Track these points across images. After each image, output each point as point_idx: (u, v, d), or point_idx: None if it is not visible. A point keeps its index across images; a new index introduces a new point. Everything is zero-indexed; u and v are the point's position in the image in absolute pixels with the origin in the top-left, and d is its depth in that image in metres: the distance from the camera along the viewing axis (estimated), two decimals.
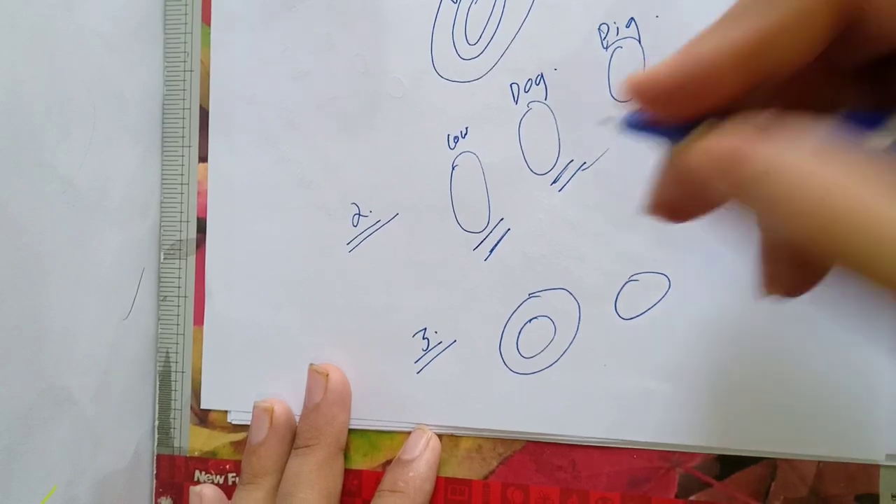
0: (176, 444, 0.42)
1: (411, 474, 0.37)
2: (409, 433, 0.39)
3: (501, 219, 0.38)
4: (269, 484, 0.38)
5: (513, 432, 0.37)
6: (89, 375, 0.39)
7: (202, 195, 0.42)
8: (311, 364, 0.39)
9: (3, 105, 0.33)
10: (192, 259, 0.42)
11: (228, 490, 0.41)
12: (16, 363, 0.34)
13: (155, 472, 0.42)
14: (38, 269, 0.35)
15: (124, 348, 0.41)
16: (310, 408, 0.39)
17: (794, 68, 0.18)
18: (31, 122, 0.35)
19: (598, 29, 0.36)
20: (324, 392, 0.38)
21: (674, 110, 0.19)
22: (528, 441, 0.37)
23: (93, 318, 0.39)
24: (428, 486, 0.37)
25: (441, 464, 0.38)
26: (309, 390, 0.39)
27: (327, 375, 0.39)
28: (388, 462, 0.39)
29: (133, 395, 0.41)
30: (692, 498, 0.35)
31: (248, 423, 0.40)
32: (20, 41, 0.34)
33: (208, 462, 0.42)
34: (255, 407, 0.40)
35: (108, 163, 0.39)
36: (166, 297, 0.42)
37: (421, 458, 0.37)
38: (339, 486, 0.39)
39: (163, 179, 0.43)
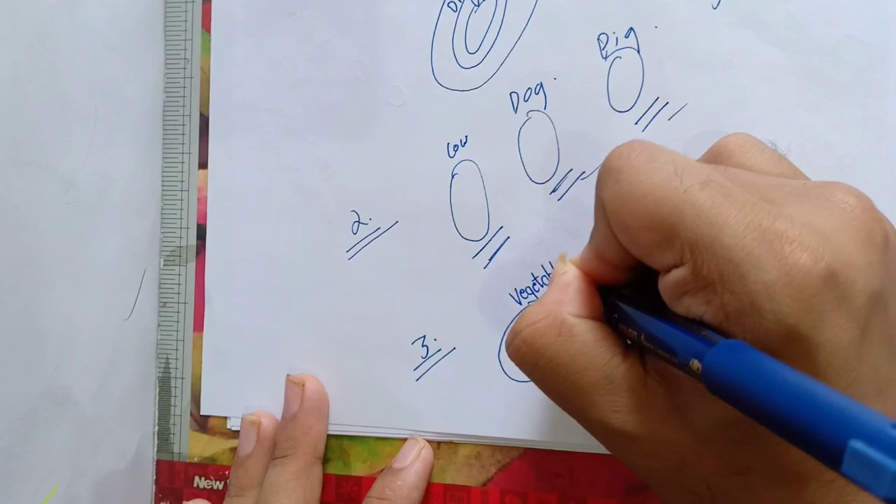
0: (175, 449, 0.42)
1: (399, 483, 0.37)
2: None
3: (501, 227, 0.38)
4: (255, 496, 0.39)
5: (511, 439, 0.38)
6: (90, 375, 0.39)
7: (202, 202, 0.42)
8: (288, 374, 0.40)
9: (4, 105, 0.33)
10: (191, 265, 0.42)
11: None
12: (16, 363, 0.34)
13: (154, 477, 0.42)
14: (38, 269, 0.35)
15: (125, 348, 0.41)
16: (287, 418, 0.39)
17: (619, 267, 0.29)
18: (31, 122, 0.35)
19: (598, 39, 0.37)
20: (300, 402, 0.39)
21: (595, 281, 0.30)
22: (526, 448, 0.38)
23: (93, 318, 0.39)
24: (416, 495, 0.38)
25: (440, 471, 0.38)
26: (286, 401, 0.40)
27: (303, 385, 0.39)
28: None
29: (134, 396, 0.41)
30: None
31: None
32: (20, 41, 0.34)
33: (207, 468, 0.42)
34: (242, 420, 0.40)
35: (109, 163, 0.39)
36: (166, 303, 0.43)
37: (411, 468, 0.38)
38: (317, 495, 0.39)
39: (163, 185, 0.43)
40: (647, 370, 0.28)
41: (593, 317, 0.29)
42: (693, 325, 0.25)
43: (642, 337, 0.27)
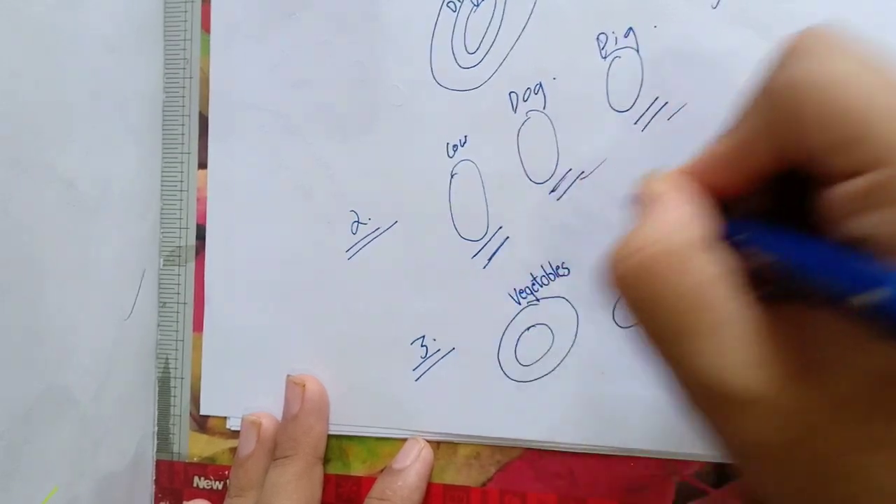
0: (175, 449, 0.42)
1: (399, 483, 0.37)
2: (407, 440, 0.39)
3: (500, 227, 0.38)
4: (255, 497, 0.38)
5: (511, 440, 0.38)
6: (90, 376, 0.39)
7: (202, 202, 0.42)
8: (289, 375, 0.40)
9: (3, 105, 0.33)
10: (191, 266, 0.42)
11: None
12: (16, 363, 0.34)
13: (154, 477, 0.42)
14: (38, 269, 0.35)
15: (125, 349, 0.41)
16: (288, 419, 0.39)
17: (754, 178, 0.24)
18: (31, 122, 0.35)
19: (597, 38, 0.36)
20: (300, 402, 0.39)
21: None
22: (525, 448, 0.38)
23: (93, 318, 0.39)
24: (416, 497, 0.38)
25: (439, 471, 0.38)
26: (286, 401, 0.40)
27: (304, 386, 0.39)
28: None
29: (134, 396, 0.42)
30: None
31: None
32: (21, 41, 0.34)
33: (207, 468, 0.42)
34: (243, 420, 0.40)
35: (109, 164, 0.40)
36: (166, 303, 0.43)
37: (411, 469, 0.38)
38: (318, 496, 0.39)
39: (162, 186, 0.43)
40: (775, 316, 0.23)
41: (709, 243, 0.24)
42: (857, 250, 0.20)
43: (778, 265, 0.22)
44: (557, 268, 0.37)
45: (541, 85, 0.37)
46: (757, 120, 0.24)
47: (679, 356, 0.23)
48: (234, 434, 0.41)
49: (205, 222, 0.42)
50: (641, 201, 0.26)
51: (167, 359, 0.43)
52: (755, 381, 0.22)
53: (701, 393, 0.23)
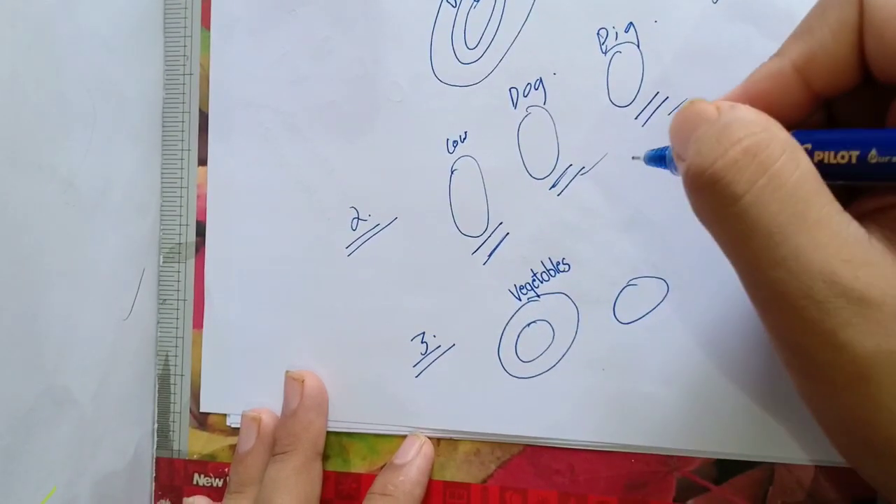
0: (175, 446, 0.42)
1: (401, 478, 0.37)
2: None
3: (500, 223, 0.38)
4: (255, 493, 0.38)
5: (511, 436, 0.37)
6: (89, 376, 0.39)
7: (202, 199, 0.42)
8: (288, 371, 0.40)
9: (3, 105, 0.33)
10: (191, 262, 0.42)
11: None
12: (16, 363, 0.34)
13: (154, 474, 0.42)
14: (38, 269, 0.35)
15: (125, 349, 0.41)
16: (287, 414, 0.39)
17: (814, 90, 0.24)
18: (31, 122, 0.35)
19: (597, 33, 0.36)
20: (299, 398, 0.39)
21: None
22: (526, 445, 0.37)
23: (93, 318, 0.39)
24: (418, 491, 0.38)
25: (439, 467, 0.38)
26: (285, 397, 0.40)
27: (303, 381, 0.39)
28: None
29: (133, 396, 0.41)
30: (690, 502, 0.35)
31: None
32: (20, 41, 0.34)
33: (207, 465, 0.42)
34: (243, 416, 0.40)
35: (108, 163, 0.40)
36: (166, 300, 0.43)
37: (413, 464, 0.38)
38: (317, 491, 0.39)
39: (162, 182, 0.43)
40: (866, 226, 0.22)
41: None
42: None
43: (863, 159, 0.21)
44: (558, 263, 0.37)
45: (541, 80, 0.37)
46: (840, 25, 0.22)
47: (787, 251, 0.21)
48: (234, 431, 0.41)
49: (205, 219, 0.42)
50: (693, 119, 0.24)
51: (167, 356, 0.42)
52: (867, 281, 0.20)
53: (817, 292, 0.21)
